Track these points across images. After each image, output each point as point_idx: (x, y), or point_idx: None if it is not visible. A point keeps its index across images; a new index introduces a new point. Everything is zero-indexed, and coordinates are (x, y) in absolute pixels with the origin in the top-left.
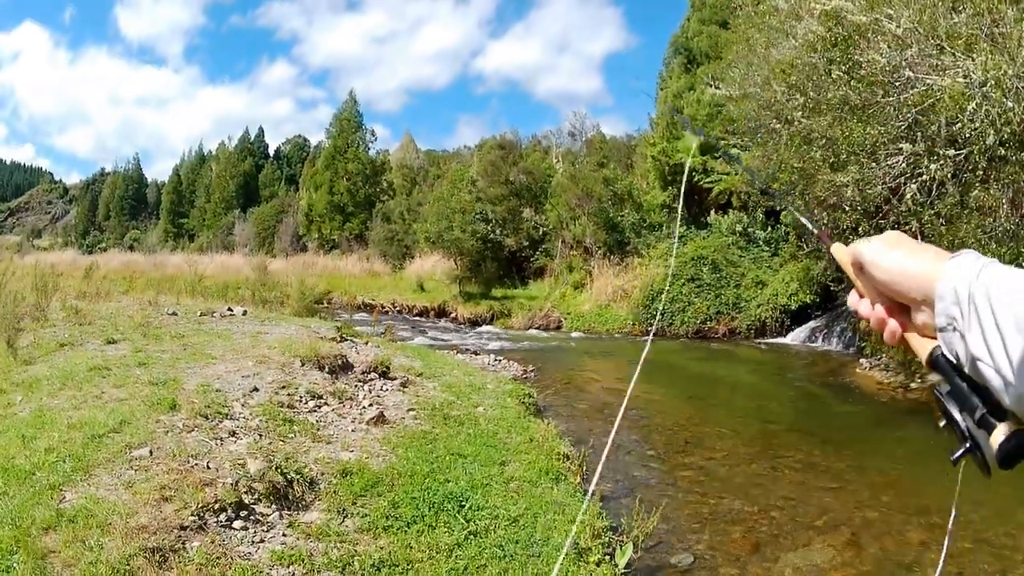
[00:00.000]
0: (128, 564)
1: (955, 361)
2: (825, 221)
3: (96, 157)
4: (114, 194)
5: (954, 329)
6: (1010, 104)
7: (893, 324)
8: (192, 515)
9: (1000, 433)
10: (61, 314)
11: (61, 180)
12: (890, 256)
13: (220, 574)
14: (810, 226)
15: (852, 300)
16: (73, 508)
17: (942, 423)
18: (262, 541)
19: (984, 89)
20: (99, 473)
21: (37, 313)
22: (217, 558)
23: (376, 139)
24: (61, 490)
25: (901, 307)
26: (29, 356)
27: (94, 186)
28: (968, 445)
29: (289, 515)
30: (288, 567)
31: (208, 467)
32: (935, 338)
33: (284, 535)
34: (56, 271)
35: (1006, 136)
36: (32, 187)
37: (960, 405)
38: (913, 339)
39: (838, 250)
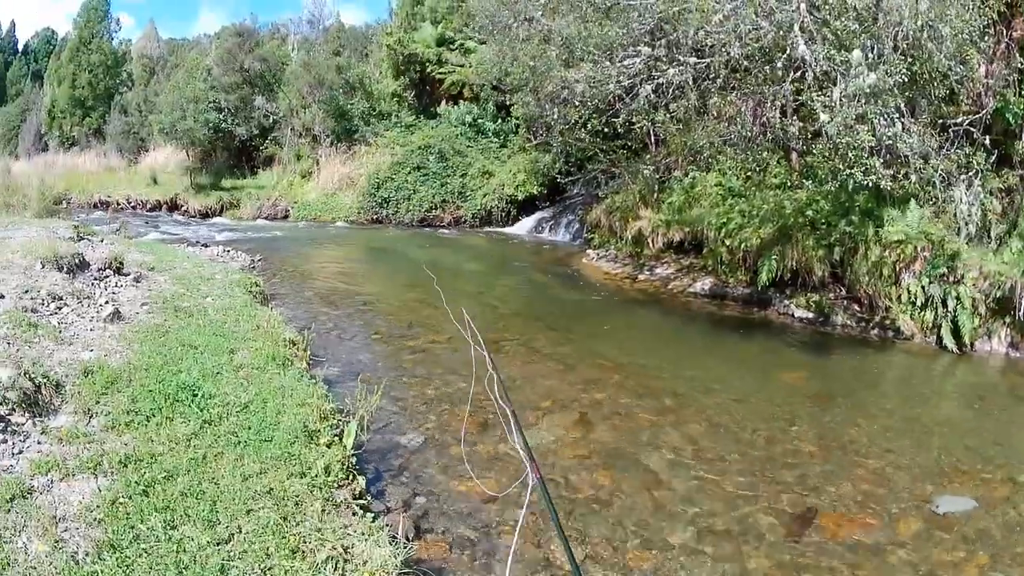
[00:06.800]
0: None
1: None
2: (556, 116)
3: None
4: None
5: None
6: (762, 23)
7: None
8: None
9: None
10: None
11: None
12: None
13: None
14: None
15: None
16: None
17: None
18: (20, 452)
19: (735, 4)
20: None
21: None
22: None
23: (120, 28)
24: None
25: None
26: None
27: None
28: None
29: (41, 421)
30: (46, 474)
31: None
32: None
33: (39, 442)
34: None
35: (752, 51)
36: None
37: None
38: None
39: None
